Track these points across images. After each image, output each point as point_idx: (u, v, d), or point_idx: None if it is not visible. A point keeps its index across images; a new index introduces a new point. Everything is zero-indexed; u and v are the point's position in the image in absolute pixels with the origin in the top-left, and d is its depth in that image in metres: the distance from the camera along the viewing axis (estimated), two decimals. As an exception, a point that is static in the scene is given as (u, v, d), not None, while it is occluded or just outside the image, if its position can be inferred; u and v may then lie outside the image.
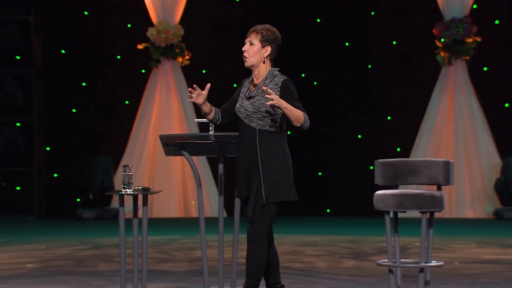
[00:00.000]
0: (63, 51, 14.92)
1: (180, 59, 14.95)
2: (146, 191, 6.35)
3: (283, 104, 5.51)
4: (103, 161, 14.58)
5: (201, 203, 6.38)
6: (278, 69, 5.74)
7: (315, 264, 8.81)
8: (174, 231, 12.43)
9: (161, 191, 7.14)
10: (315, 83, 15.19)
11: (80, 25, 14.86)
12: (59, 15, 14.92)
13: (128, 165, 6.32)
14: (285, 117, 5.61)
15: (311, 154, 14.98)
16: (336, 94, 15.04)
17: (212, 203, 14.64)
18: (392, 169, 6.05)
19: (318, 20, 15.20)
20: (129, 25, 15.02)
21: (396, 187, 6.12)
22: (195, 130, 14.36)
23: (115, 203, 14.51)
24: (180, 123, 14.84)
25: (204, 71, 14.94)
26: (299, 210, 14.96)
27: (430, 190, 6.04)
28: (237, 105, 5.72)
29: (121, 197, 6.33)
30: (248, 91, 5.71)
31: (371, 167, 13.76)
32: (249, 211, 5.60)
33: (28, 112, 15.02)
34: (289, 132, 5.76)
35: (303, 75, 15.17)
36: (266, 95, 5.51)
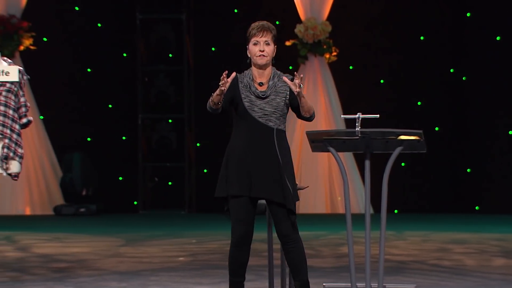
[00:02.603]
0: (213, 49, 15.23)
1: (328, 56, 14.99)
2: (293, 187, 6.41)
3: (302, 94, 5.54)
4: (251, 157, 14.79)
5: (348, 199, 6.40)
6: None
7: (464, 262, 8.69)
8: (320, 227, 12.48)
9: (307, 187, 7.18)
10: (464, 78, 14.93)
11: (230, 22, 15.12)
12: (210, 13, 15.23)
13: (275, 161, 6.39)
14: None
15: (460, 150, 14.72)
16: (485, 89, 14.73)
17: (358, 199, 14.63)
18: (543, 166, 5.91)
19: (468, 14, 14.93)
20: (277, 22, 15.18)
21: (547, 185, 5.98)
22: (342, 126, 14.37)
23: (263, 198, 14.69)
24: (327, 119, 14.88)
25: (351, 67, 14.93)
26: (448, 207, 14.74)
27: None
28: (247, 104, 5.65)
29: (269, 192, 6.40)
30: (256, 90, 5.64)
31: (523, 164, 13.44)
32: (284, 212, 5.55)
33: (179, 108, 15.39)
34: None
35: (451, 70, 14.93)
36: (295, 81, 5.45)
